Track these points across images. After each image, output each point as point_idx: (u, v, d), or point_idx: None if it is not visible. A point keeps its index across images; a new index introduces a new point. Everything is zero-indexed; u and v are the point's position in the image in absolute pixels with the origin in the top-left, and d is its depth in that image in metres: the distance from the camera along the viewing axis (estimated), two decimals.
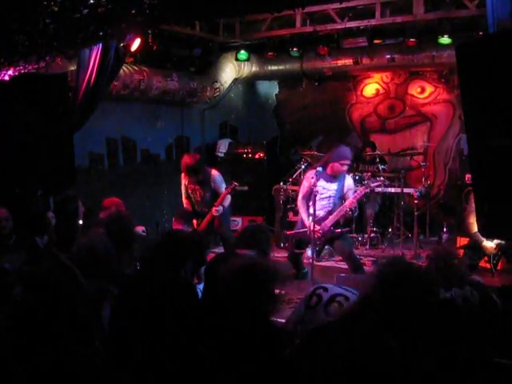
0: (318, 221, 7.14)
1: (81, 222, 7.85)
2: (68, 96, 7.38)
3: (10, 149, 7.09)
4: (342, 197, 7.36)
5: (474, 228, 6.83)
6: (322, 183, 7.26)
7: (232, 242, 8.14)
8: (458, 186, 9.97)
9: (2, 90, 6.13)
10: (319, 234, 7.19)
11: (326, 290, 3.80)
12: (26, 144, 7.23)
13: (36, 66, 5.27)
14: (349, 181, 7.40)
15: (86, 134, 8.52)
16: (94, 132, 9.32)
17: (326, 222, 7.21)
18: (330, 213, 7.26)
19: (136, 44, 7.39)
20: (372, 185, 7.46)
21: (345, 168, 7.24)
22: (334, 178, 7.31)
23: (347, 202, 7.16)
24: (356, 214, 7.64)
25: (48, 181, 7.56)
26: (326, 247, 8.27)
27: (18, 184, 7.27)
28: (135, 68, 9.22)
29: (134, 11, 4.25)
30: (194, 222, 8.00)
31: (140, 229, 6.96)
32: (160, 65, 9.94)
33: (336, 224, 7.25)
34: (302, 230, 7.37)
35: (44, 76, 6.78)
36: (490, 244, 7.21)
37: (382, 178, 8.12)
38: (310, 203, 7.10)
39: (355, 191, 7.28)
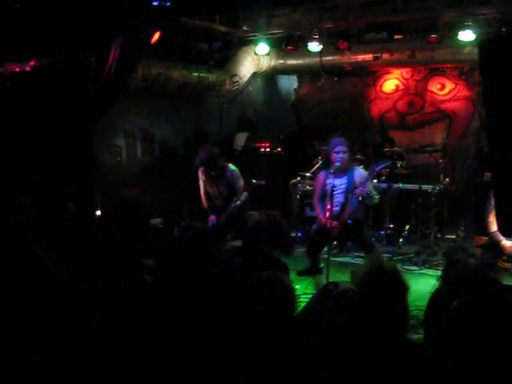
0: (335, 217, 7.16)
1: (98, 212, 7.91)
2: (88, 87, 7.41)
3: (31, 139, 7.15)
4: (355, 188, 7.34)
5: (493, 227, 6.76)
6: (331, 181, 7.27)
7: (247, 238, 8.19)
8: (476, 184, 9.90)
9: (23, 80, 6.17)
10: (338, 229, 7.20)
11: (336, 285, 3.80)
12: (46, 135, 7.29)
13: (57, 58, 5.30)
14: (358, 172, 7.36)
15: (105, 125, 8.58)
16: (113, 124, 9.38)
17: (343, 215, 7.22)
18: (344, 205, 7.26)
19: (156, 36, 7.41)
20: (376, 168, 7.42)
21: (341, 155, 7.23)
22: (342, 172, 7.30)
23: (357, 190, 7.15)
24: (376, 200, 7.55)
25: (67, 172, 7.61)
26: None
27: (37, 174, 7.33)
28: (155, 61, 9.23)
29: (155, 3, 4.25)
30: (212, 217, 8.00)
31: (157, 221, 7.01)
32: (179, 58, 9.95)
33: (353, 215, 7.26)
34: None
35: (65, 67, 6.82)
36: (509, 243, 7.15)
37: (386, 161, 8.03)
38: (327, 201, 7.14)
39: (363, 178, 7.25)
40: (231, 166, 7.88)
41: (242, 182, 7.74)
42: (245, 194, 7.73)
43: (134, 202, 5.85)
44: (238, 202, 7.69)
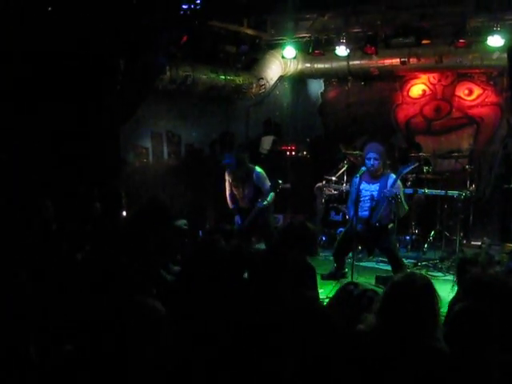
0: (364, 222, 7.17)
1: (124, 213, 7.98)
2: (116, 88, 7.49)
3: (58, 139, 7.23)
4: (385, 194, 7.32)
5: None
6: (363, 185, 7.28)
7: (274, 240, 8.20)
8: (503, 191, 9.80)
9: (52, 81, 6.25)
10: (365, 235, 7.20)
11: (356, 285, 3.83)
12: (74, 135, 7.37)
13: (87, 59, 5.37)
14: (392, 179, 7.32)
15: (132, 127, 8.66)
16: (140, 125, 9.46)
17: (372, 219, 7.21)
18: (373, 210, 7.24)
19: (184, 39, 7.47)
20: (403, 171, 7.39)
21: (372, 162, 7.21)
22: (374, 178, 7.29)
23: (385, 191, 7.12)
24: (405, 209, 7.47)
25: (94, 172, 7.69)
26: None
27: (64, 175, 7.41)
28: (183, 63, 9.29)
29: (184, 6, 4.30)
30: (237, 219, 8.05)
31: (181, 222, 7.03)
32: (207, 61, 10.01)
33: (381, 220, 7.24)
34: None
35: (94, 68, 6.90)
36: None
37: (416, 163, 7.98)
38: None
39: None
40: (257, 168, 7.92)
41: (268, 184, 7.78)
42: (271, 196, 7.76)
43: (157, 203, 5.94)
44: (265, 203, 7.72)
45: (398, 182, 7.27)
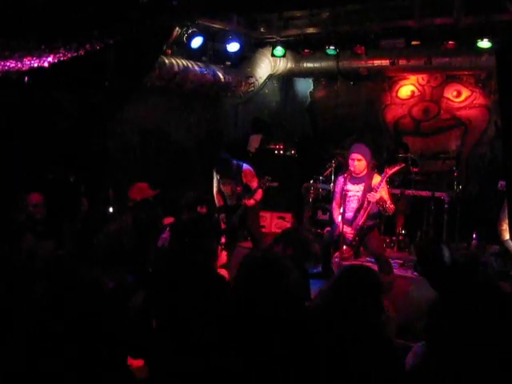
0: (349, 223, 7.15)
1: (111, 209, 7.95)
2: (104, 84, 7.45)
3: (45, 134, 7.19)
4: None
5: (506, 235, 6.75)
6: (348, 186, 7.25)
7: (258, 238, 8.21)
8: (490, 193, 9.84)
9: (40, 76, 6.20)
10: (351, 236, 7.18)
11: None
12: (61, 130, 7.32)
13: (76, 54, 5.33)
14: (376, 179, 7.29)
15: (120, 123, 8.61)
16: (128, 122, 9.42)
17: (356, 220, 7.19)
18: (357, 211, 7.23)
19: (174, 35, 7.44)
20: (389, 171, 7.36)
21: (354, 163, 7.17)
22: (359, 179, 7.27)
23: (369, 195, 7.09)
24: (391, 208, 7.44)
25: (81, 167, 7.66)
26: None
27: (51, 170, 7.37)
28: (172, 60, 9.26)
29: (175, 3, 4.27)
30: (222, 216, 8.04)
31: (170, 220, 7.01)
32: (196, 58, 9.97)
33: (366, 221, 7.22)
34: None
35: (82, 64, 6.86)
36: None
37: (402, 164, 7.95)
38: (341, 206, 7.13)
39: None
40: (245, 165, 7.91)
41: (255, 181, 7.78)
42: (259, 193, 7.76)
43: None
44: (252, 200, 7.72)
45: (385, 182, 7.25)
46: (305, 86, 13.27)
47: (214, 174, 8.07)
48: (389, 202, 7.07)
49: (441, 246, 3.92)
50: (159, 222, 6.02)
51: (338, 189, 7.45)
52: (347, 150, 10.31)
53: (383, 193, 7.08)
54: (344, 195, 7.08)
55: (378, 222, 7.50)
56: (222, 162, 7.88)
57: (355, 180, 7.26)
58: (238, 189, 7.87)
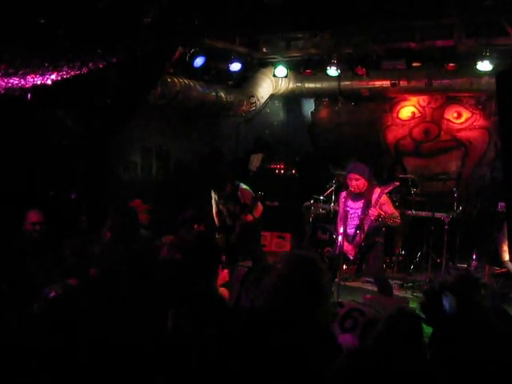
0: (350, 240, 7.16)
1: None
2: (107, 103, 7.48)
3: (46, 152, 7.20)
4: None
5: (506, 256, 6.73)
6: (349, 203, 7.28)
7: (259, 256, 8.20)
8: (490, 214, 9.85)
9: (43, 93, 6.24)
10: (352, 254, 7.19)
11: (341, 305, 3.83)
12: (62, 148, 7.34)
13: (79, 72, 5.37)
14: (375, 195, 7.31)
15: (121, 141, 8.64)
16: (130, 140, 9.45)
17: (357, 238, 7.19)
18: (358, 228, 7.23)
19: (177, 54, 7.49)
20: (385, 189, 7.37)
21: (353, 183, 7.19)
22: (359, 196, 7.29)
23: (370, 212, 7.11)
24: (397, 219, 7.42)
25: (82, 185, 7.67)
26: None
27: (52, 187, 7.38)
28: (174, 79, 9.31)
29: (180, 24, 4.32)
30: (219, 237, 8.04)
31: (169, 238, 7.02)
32: (198, 77, 10.03)
33: (367, 238, 7.21)
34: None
35: (84, 82, 6.90)
36: None
37: (396, 183, 7.96)
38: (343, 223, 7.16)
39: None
40: (242, 185, 7.92)
41: (254, 202, 7.78)
42: (258, 209, 7.78)
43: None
44: (250, 217, 7.74)
45: (384, 195, 7.25)
46: (306, 107, 13.32)
47: (213, 194, 8.08)
48: (394, 215, 7.06)
49: (443, 295, 3.90)
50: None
51: (340, 205, 7.50)
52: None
53: (386, 208, 7.10)
54: (345, 212, 7.13)
55: (380, 241, 7.48)
56: (218, 181, 7.91)
57: (356, 197, 7.29)
58: (236, 208, 7.88)
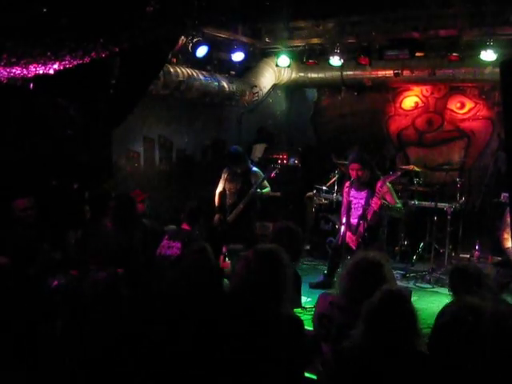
0: (353, 230, 7.18)
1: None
2: (109, 92, 7.47)
3: (49, 141, 7.20)
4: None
5: (508, 243, 6.72)
6: (352, 193, 7.30)
7: (253, 240, 8.25)
8: (493, 204, 9.84)
9: (46, 83, 6.23)
10: (355, 244, 7.20)
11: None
12: (65, 138, 7.34)
13: (81, 61, 5.35)
14: (378, 185, 7.31)
15: (124, 131, 8.64)
16: (133, 130, 9.45)
17: (359, 228, 7.20)
18: (361, 218, 7.24)
19: (179, 44, 7.47)
20: (387, 179, 7.38)
21: (354, 173, 7.24)
22: (362, 186, 7.31)
23: (372, 202, 7.12)
24: (401, 209, 7.45)
25: (84, 175, 7.67)
26: None
27: (54, 177, 7.38)
28: (177, 69, 9.29)
29: (181, 13, 4.30)
30: (217, 216, 8.12)
31: (171, 227, 7.05)
32: (201, 67, 10.01)
33: (369, 229, 7.21)
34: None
35: (87, 71, 6.88)
36: None
37: (398, 172, 7.97)
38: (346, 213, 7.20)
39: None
40: (255, 168, 8.26)
41: (264, 182, 8.08)
42: (266, 189, 7.97)
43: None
44: (258, 191, 7.87)
45: (386, 185, 7.25)
46: (309, 96, 13.29)
47: (224, 172, 8.23)
48: (397, 205, 7.09)
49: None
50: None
51: (344, 196, 7.53)
52: None
53: (388, 197, 7.11)
54: (349, 202, 7.15)
55: (381, 234, 7.48)
56: (234, 156, 8.06)
57: (359, 187, 7.30)
58: (243, 187, 8.01)
